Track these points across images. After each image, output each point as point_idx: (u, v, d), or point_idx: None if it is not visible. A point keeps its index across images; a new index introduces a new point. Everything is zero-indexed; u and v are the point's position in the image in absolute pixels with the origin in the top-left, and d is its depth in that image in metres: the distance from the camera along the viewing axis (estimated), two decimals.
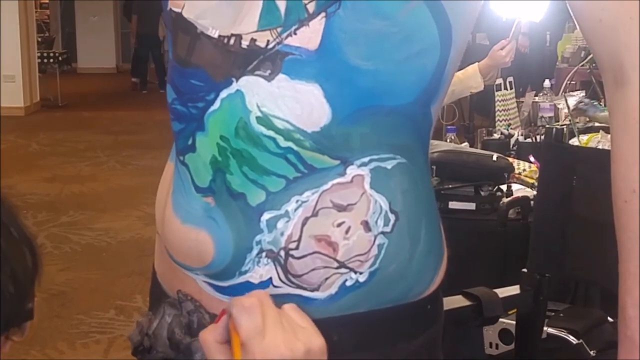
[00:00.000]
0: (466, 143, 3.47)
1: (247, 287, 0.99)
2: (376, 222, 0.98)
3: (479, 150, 3.10)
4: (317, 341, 0.87)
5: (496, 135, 3.60)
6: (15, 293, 0.85)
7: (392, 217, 0.99)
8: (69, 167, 7.76)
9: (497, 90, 4.04)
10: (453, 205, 2.68)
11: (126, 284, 4.59)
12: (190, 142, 1.01)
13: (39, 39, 12.00)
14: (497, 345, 2.11)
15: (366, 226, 0.98)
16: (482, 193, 2.72)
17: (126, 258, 5.05)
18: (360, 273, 0.99)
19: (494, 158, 2.76)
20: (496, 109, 4.02)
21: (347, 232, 0.97)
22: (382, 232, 0.99)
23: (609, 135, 3.09)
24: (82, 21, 16.25)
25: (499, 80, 4.15)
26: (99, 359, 3.72)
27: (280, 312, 0.88)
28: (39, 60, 11.39)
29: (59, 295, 4.47)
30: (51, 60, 11.64)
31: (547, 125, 3.42)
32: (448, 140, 3.27)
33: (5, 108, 10.06)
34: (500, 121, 3.94)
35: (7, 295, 0.84)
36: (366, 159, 0.98)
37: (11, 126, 9.40)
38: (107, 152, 8.44)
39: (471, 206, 2.70)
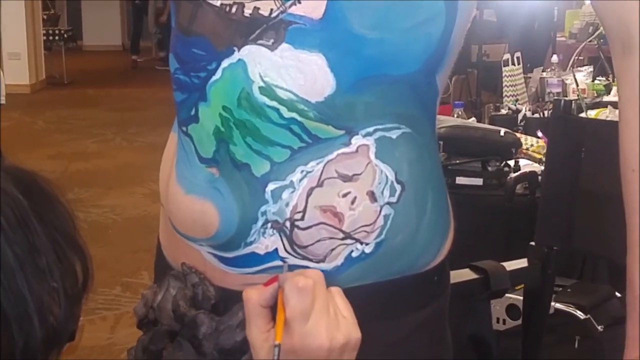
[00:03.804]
0: (473, 118, 3.45)
1: (253, 258, 0.99)
2: (382, 192, 0.98)
3: (486, 126, 3.09)
4: (355, 334, 0.89)
5: (504, 111, 3.58)
6: (62, 314, 0.82)
7: (398, 188, 0.98)
8: (74, 144, 7.75)
9: (504, 66, 4.02)
10: (460, 180, 2.67)
11: (132, 261, 4.60)
12: (192, 112, 1.00)
13: (45, 16, 11.94)
14: (504, 320, 2.11)
15: (372, 196, 0.97)
16: (490, 168, 2.71)
17: (132, 235, 5.06)
18: (367, 244, 0.98)
19: (502, 133, 2.75)
20: (504, 84, 4.00)
21: (352, 202, 0.97)
22: (388, 203, 0.98)
23: (617, 111, 3.08)
24: None
25: (507, 56, 4.12)
26: (105, 336, 3.73)
27: (329, 297, 0.89)
28: (45, 38, 11.35)
29: None
30: (57, 37, 11.61)
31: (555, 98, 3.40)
32: (455, 116, 3.26)
33: (10, 85, 10.05)
34: (508, 97, 3.91)
35: (51, 317, 0.80)
36: (371, 129, 0.97)
37: (17, 104, 9.39)
38: (113, 129, 8.43)
39: (478, 182, 2.69)
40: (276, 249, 0.98)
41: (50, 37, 11.50)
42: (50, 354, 0.84)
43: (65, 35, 11.74)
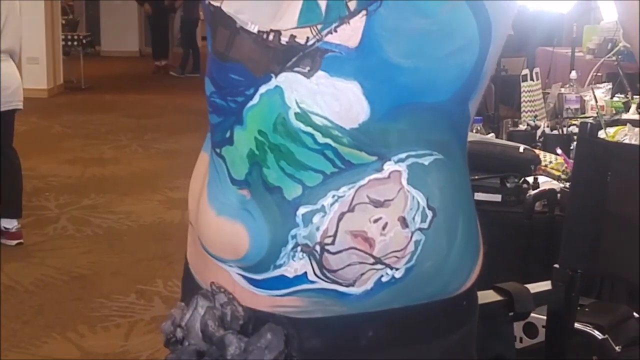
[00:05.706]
0: (492, 134, 3.45)
1: (282, 280, 0.99)
2: (413, 218, 0.98)
3: (505, 142, 3.08)
4: None
5: (522, 127, 3.58)
6: None
7: (429, 214, 0.99)
8: (91, 149, 7.79)
9: (523, 81, 4.01)
10: (478, 196, 2.66)
11: (147, 268, 4.61)
12: (227, 135, 1.01)
13: (63, 22, 12.03)
14: (521, 339, 2.11)
15: (403, 222, 0.97)
16: (508, 185, 2.70)
17: (147, 242, 5.07)
18: (397, 269, 0.98)
19: (521, 149, 2.74)
20: (522, 99, 3.99)
21: (384, 228, 0.97)
22: (419, 229, 0.98)
23: (636, 129, 3.07)
24: (106, 4, 16.27)
25: (526, 71, 4.12)
26: (119, 343, 3.74)
27: None
28: (63, 43, 11.43)
29: (80, 278, 4.50)
30: (75, 42, 11.69)
31: (580, 119, 3.39)
32: (474, 131, 3.25)
33: (28, 90, 10.06)
34: (526, 112, 3.91)
35: None
36: (403, 155, 0.98)
37: (34, 108, 9.43)
38: (129, 135, 8.47)
39: (497, 198, 2.68)
40: (305, 273, 0.98)
41: (69, 42, 11.59)
42: None
43: (84, 41, 11.83)
